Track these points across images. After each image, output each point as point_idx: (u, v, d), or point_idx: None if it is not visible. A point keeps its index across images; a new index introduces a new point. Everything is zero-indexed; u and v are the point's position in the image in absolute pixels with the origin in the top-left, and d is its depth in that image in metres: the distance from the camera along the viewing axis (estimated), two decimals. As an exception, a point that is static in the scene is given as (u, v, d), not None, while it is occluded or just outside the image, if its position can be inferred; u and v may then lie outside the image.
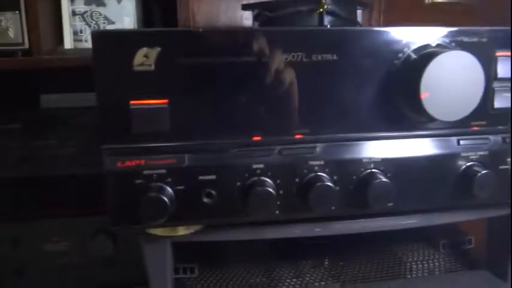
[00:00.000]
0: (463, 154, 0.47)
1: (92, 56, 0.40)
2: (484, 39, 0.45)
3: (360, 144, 0.46)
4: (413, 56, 0.44)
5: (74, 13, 0.74)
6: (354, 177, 0.45)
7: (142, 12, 0.79)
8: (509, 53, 0.46)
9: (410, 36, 0.44)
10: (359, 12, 0.66)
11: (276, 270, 0.57)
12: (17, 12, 0.65)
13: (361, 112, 0.45)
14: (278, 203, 0.44)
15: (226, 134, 0.43)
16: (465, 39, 0.45)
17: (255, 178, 0.44)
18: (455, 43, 0.45)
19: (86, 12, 0.74)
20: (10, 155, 0.65)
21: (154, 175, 0.42)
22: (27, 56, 0.67)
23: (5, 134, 0.65)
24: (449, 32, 0.45)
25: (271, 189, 0.42)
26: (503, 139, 0.48)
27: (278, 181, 0.44)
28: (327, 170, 0.45)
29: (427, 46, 0.44)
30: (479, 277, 0.57)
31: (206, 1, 0.78)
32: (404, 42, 0.44)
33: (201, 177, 0.43)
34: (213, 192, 0.43)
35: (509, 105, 0.47)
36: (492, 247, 0.58)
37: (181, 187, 0.43)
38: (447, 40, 0.45)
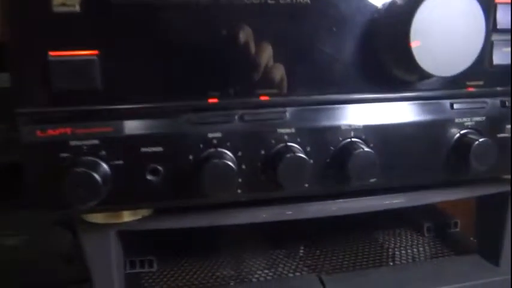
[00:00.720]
0: (457, 120, 0.45)
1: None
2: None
3: (338, 109, 0.43)
4: (402, -4, 0.41)
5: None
6: (331, 147, 0.43)
7: None
8: (510, 0, 0.43)
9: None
10: None
11: (245, 261, 0.56)
12: None
13: (339, 69, 0.42)
14: (240, 180, 0.41)
15: (174, 95, 0.40)
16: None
17: (211, 150, 0.40)
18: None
19: None
20: None
21: (84, 147, 0.38)
22: None
23: None
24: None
25: (230, 163, 0.39)
26: (503, 102, 0.46)
27: (239, 153, 0.41)
28: (298, 139, 0.42)
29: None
30: (470, 262, 0.55)
31: None
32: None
33: (144, 149, 0.40)
34: (160, 167, 0.40)
35: (510, 61, 0.44)
36: (483, 229, 0.56)
37: (120, 162, 0.39)
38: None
